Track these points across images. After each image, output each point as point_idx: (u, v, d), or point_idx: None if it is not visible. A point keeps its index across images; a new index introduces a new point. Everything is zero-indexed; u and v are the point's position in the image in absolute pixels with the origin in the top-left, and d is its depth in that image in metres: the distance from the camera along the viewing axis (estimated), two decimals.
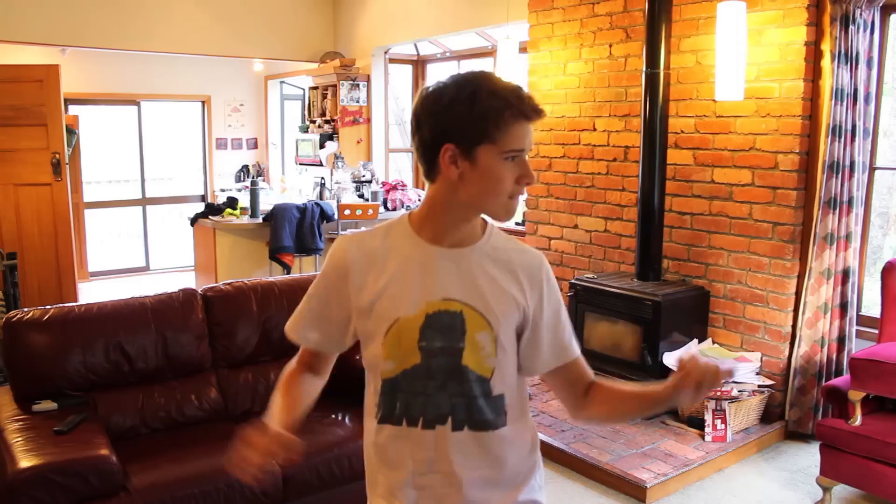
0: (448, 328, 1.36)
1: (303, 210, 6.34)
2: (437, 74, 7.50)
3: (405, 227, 1.42)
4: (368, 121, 7.35)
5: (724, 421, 3.73)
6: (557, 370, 1.47)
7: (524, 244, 1.49)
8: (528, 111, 1.32)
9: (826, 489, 3.19)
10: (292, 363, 1.59)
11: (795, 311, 3.92)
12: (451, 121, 1.31)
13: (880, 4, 3.59)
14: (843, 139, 3.65)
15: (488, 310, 1.37)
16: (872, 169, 3.89)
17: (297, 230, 6.30)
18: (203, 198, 8.97)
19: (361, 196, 7.09)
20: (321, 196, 7.15)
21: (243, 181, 8.80)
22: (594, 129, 4.82)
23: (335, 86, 7.32)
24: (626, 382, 1.53)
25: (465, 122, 1.30)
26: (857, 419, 3.06)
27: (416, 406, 1.39)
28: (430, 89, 1.35)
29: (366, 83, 7.28)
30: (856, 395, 3.05)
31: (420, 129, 1.35)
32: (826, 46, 3.69)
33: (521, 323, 1.41)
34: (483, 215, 1.42)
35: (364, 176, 7.10)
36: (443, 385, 1.37)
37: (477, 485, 1.41)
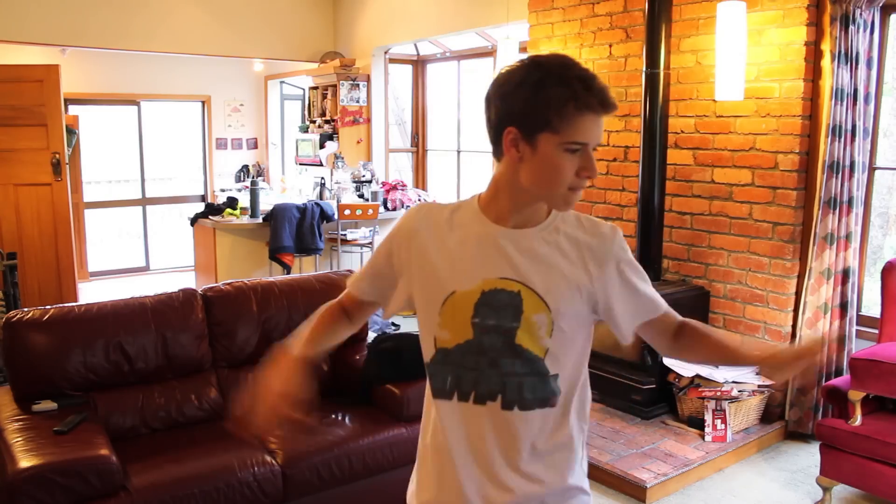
0: (504, 306, 1.36)
1: (303, 210, 6.34)
2: (437, 74, 7.50)
3: (473, 205, 1.43)
4: (368, 121, 7.35)
5: (724, 421, 3.73)
6: (642, 327, 1.48)
7: (594, 220, 1.45)
8: (595, 104, 1.28)
9: (826, 489, 3.19)
10: (332, 302, 1.61)
11: (795, 311, 3.92)
12: (516, 104, 1.30)
13: (880, 4, 3.59)
14: (843, 139, 3.65)
15: (547, 291, 1.36)
16: (872, 169, 3.89)
17: (297, 230, 6.30)
18: (203, 198, 8.97)
19: (361, 196, 7.09)
20: (321, 196, 7.15)
21: (243, 181, 8.80)
22: None
23: (335, 86, 7.32)
24: (717, 331, 1.53)
25: (528, 107, 1.29)
26: (857, 419, 3.06)
27: (467, 381, 1.39)
28: (505, 69, 1.35)
29: (366, 83, 7.28)
30: (856, 395, 3.05)
31: (489, 109, 1.36)
32: (826, 46, 3.69)
33: (589, 303, 1.40)
34: None
35: (364, 176, 7.10)
36: (494, 362, 1.37)
37: (526, 462, 1.40)
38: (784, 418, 3.95)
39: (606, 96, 1.29)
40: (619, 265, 1.42)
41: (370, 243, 6.60)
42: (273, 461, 2.76)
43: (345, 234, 6.62)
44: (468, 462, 1.41)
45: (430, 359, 1.44)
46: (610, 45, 4.66)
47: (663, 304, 1.48)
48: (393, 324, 6.19)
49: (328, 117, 7.62)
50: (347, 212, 6.37)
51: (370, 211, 6.39)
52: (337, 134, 7.53)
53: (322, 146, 7.70)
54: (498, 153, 1.38)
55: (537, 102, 1.28)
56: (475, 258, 1.39)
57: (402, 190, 7.11)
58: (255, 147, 9.30)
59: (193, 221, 6.71)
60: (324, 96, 7.70)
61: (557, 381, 1.40)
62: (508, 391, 1.37)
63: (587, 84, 1.28)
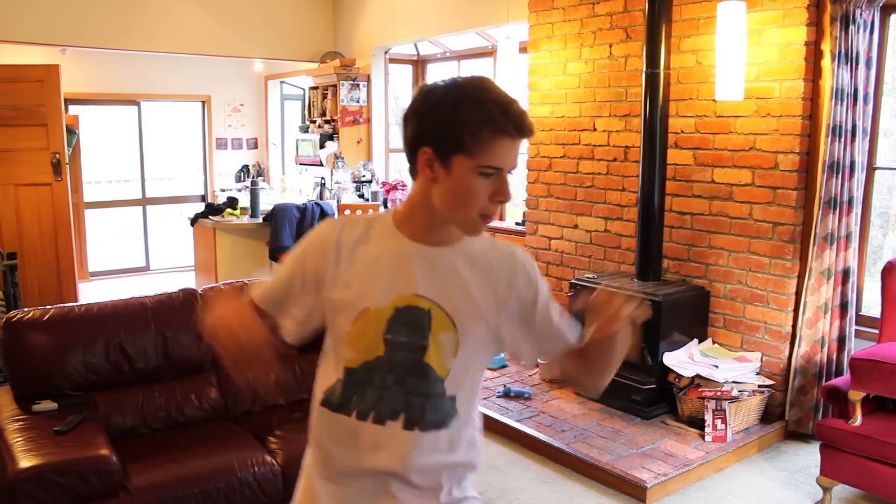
0: (414, 324, 1.36)
1: (303, 210, 6.34)
2: (437, 74, 7.50)
3: (388, 220, 1.42)
4: (368, 121, 7.36)
5: (724, 421, 3.73)
6: (553, 357, 1.49)
7: (504, 242, 1.47)
8: (511, 129, 1.26)
9: (826, 489, 3.19)
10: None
11: (795, 311, 3.92)
12: (432, 125, 1.29)
13: (880, 4, 3.59)
14: (843, 139, 3.65)
15: (456, 311, 1.36)
16: (872, 169, 3.89)
17: (297, 230, 6.31)
18: (203, 198, 8.97)
19: (361, 196, 7.09)
20: (321, 196, 7.15)
21: (243, 181, 8.80)
22: (594, 129, 4.82)
23: (335, 86, 7.32)
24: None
25: (444, 128, 1.28)
26: (857, 419, 3.06)
27: (370, 399, 1.38)
28: (424, 89, 1.34)
29: (366, 83, 7.28)
30: (856, 395, 3.05)
31: (406, 127, 1.36)
32: (826, 46, 3.69)
33: (495, 329, 1.41)
34: None
35: (364, 176, 7.10)
36: (401, 380, 1.37)
37: (415, 480, 1.40)
38: (784, 418, 3.95)
39: (523, 121, 1.28)
40: (529, 293, 1.43)
41: None
42: (273, 461, 2.76)
43: None
44: (354, 477, 1.42)
45: (335, 373, 1.43)
46: (610, 45, 4.66)
47: (568, 338, 1.47)
48: None
49: (328, 117, 7.62)
50: (347, 212, 6.37)
51: (370, 211, 6.39)
52: (337, 134, 7.53)
53: (322, 146, 7.70)
54: (413, 172, 1.36)
55: (453, 123, 1.26)
56: (389, 275, 1.37)
57: (403, 190, 7.11)
58: (256, 147, 9.30)
59: (193, 221, 6.71)
60: (324, 96, 7.70)
61: (455, 403, 1.40)
62: (411, 411, 1.37)
63: (504, 108, 1.26)
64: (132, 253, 8.66)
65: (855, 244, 3.75)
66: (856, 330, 3.86)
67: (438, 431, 1.39)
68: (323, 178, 7.48)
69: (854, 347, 3.77)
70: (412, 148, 1.33)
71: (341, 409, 1.40)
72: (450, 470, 1.44)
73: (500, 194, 1.31)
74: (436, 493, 1.43)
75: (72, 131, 7.08)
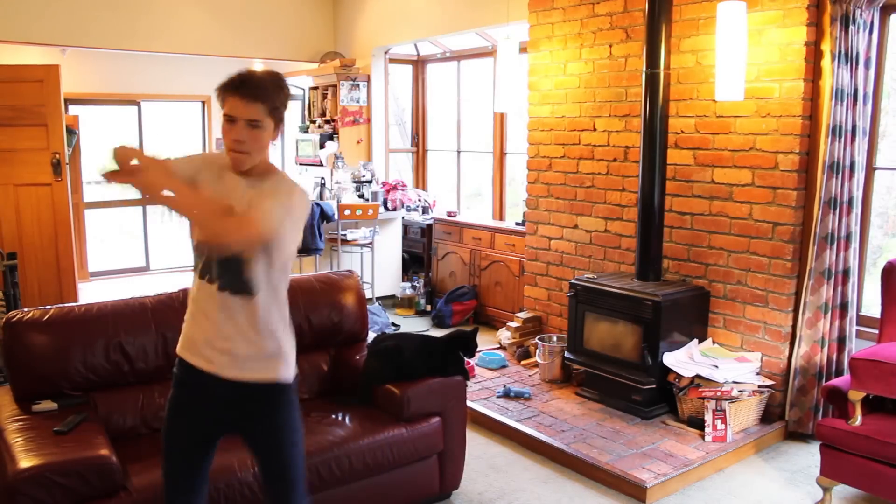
0: None
1: None
2: (437, 74, 7.50)
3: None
4: (368, 121, 7.35)
5: (724, 421, 3.73)
6: None
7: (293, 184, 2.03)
8: (230, 88, 1.93)
9: (826, 489, 3.19)
10: None
11: (795, 311, 3.92)
12: None
13: (880, 4, 3.60)
14: (843, 139, 3.65)
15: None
16: (872, 169, 3.89)
17: None
18: None
19: (361, 196, 7.09)
20: (321, 196, 7.15)
21: None
22: (594, 130, 4.82)
23: (335, 86, 7.31)
24: None
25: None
26: (857, 419, 3.06)
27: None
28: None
29: (366, 83, 7.28)
30: (856, 395, 3.05)
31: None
32: (826, 46, 3.69)
33: None
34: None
35: (364, 176, 7.10)
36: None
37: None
38: (784, 418, 3.95)
39: (233, 82, 1.93)
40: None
41: (370, 243, 6.61)
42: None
43: (345, 235, 6.62)
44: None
45: None
46: (610, 45, 4.66)
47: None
48: (393, 324, 6.19)
49: (328, 117, 7.62)
50: (347, 212, 6.37)
51: (370, 211, 6.39)
52: (337, 134, 7.52)
53: (322, 146, 7.69)
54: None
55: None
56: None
57: (403, 190, 7.11)
58: None
59: None
60: (324, 96, 7.69)
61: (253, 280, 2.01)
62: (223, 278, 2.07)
63: (233, 77, 1.94)
64: (132, 253, 8.66)
65: (855, 244, 3.75)
66: (856, 330, 3.86)
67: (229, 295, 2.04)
68: (323, 178, 7.48)
69: (854, 347, 3.78)
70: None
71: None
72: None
73: (226, 136, 1.96)
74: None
75: (72, 131, 7.08)
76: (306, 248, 6.37)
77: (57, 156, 5.89)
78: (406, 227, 7.23)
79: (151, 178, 1.84)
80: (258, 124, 1.94)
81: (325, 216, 6.47)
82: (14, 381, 2.87)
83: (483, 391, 4.42)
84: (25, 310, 2.94)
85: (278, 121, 2.01)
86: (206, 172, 2.05)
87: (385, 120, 7.42)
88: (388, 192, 7.04)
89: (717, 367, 3.87)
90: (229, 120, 1.94)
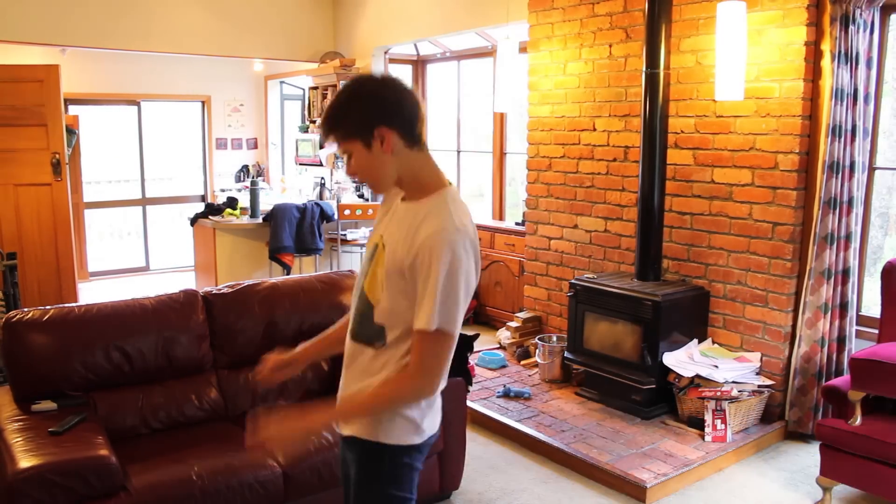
0: (369, 256, 1.74)
1: (303, 210, 6.34)
2: (437, 74, 7.50)
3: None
4: None
5: (724, 421, 3.73)
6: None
7: (438, 218, 1.61)
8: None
9: (826, 489, 3.19)
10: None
11: (795, 311, 3.92)
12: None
13: (880, 4, 3.59)
14: (843, 139, 3.65)
15: (392, 252, 1.66)
16: (872, 169, 3.89)
17: (297, 230, 6.30)
18: (203, 198, 8.97)
19: (361, 196, 7.09)
20: (321, 196, 7.15)
21: (243, 181, 8.81)
22: (594, 129, 4.82)
23: (335, 86, 7.31)
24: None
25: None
26: (857, 419, 3.06)
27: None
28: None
29: None
30: (856, 396, 3.05)
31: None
32: (826, 46, 3.69)
33: (407, 274, 1.62)
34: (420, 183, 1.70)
35: None
36: (356, 299, 1.76)
37: (347, 379, 1.79)
38: (784, 418, 3.95)
39: (322, 125, 1.68)
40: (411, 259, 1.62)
41: None
42: (274, 462, 2.76)
43: (345, 235, 6.62)
44: None
45: None
46: (610, 45, 4.66)
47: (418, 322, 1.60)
48: None
49: None
50: (347, 212, 6.37)
51: (370, 211, 6.38)
52: None
53: (322, 146, 7.69)
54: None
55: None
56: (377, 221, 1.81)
57: None
58: (255, 147, 9.30)
59: (193, 221, 6.71)
60: (324, 96, 7.69)
61: (384, 333, 1.67)
62: (354, 325, 1.75)
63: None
64: (132, 253, 8.66)
65: (855, 244, 3.75)
66: (856, 330, 3.86)
67: (365, 347, 1.70)
68: (323, 178, 7.48)
69: (854, 347, 3.78)
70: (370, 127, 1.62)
71: None
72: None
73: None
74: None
75: (72, 131, 7.08)
76: (306, 249, 6.37)
77: (57, 156, 5.89)
78: None
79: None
80: (349, 153, 1.66)
81: (324, 216, 6.47)
82: (14, 381, 2.87)
83: (483, 391, 4.42)
84: (25, 310, 2.94)
85: (368, 136, 1.62)
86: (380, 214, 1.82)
87: None
88: None
89: (716, 367, 3.87)
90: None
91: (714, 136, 4.15)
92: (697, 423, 3.84)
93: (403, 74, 7.65)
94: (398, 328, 1.64)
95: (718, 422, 3.73)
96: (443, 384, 1.63)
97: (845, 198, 3.70)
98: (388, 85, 1.64)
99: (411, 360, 1.60)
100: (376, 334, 1.67)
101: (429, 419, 1.72)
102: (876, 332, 3.54)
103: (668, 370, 3.98)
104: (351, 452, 1.77)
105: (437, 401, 1.74)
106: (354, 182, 1.54)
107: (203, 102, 8.89)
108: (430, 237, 1.55)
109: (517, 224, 6.01)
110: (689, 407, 3.91)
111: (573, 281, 4.47)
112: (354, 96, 1.64)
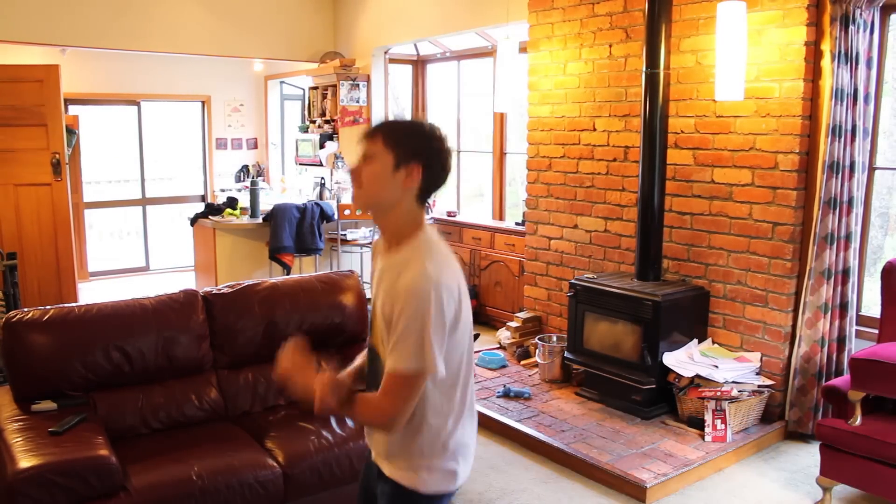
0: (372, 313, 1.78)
1: (303, 210, 6.34)
2: (437, 74, 7.50)
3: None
4: (368, 121, 7.35)
5: (724, 421, 3.73)
6: None
7: (412, 268, 1.63)
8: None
9: (826, 489, 3.19)
10: None
11: (795, 311, 3.92)
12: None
13: (880, 4, 3.59)
14: (843, 139, 3.65)
15: (377, 307, 1.72)
16: (872, 169, 3.89)
17: (297, 230, 6.30)
18: (203, 198, 8.97)
19: None
20: (321, 196, 7.15)
21: (243, 181, 8.80)
22: (594, 129, 4.82)
23: (335, 86, 7.31)
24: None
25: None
26: (857, 419, 3.06)
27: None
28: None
29: (366, 83, 7.28)
30: (856, 396, 3.05)
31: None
32: (826, 46, 3.69)
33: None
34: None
35: None
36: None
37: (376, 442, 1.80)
38: (784, 418, 3.95)
39: (377, 125, 1.70)
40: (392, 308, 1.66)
41: (370, 243, 6.60)
42: (274, 461, 2.76)
43: (345, 235, 6.62)
44: None
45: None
46: (610, 45, 4.66)
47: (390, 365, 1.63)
48: None
49: (328, 117, 7.62)
50: (347, 212, 6.37)
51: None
52: (337, 134, 7.53)
53: (322, 146, 7.70)
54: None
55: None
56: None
57: None
58: (255, 147, 9.30)
59: (193, 221, 6.71)
60: (324, 96, 7.70)
61: None
62: (369, 379, 1.79)
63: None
64: (132, 253, 8.66)
65: (855, 244, 3.75)
66: (856, 330, 3.86)
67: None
68: (323, 178, 7.48)
69: (854, 347, 3.78)
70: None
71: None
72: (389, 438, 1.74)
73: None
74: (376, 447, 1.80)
75: (72, 131, 7.08)
76: (306, 249, 6.37)
77: (57, 156, 5.89)
78: None
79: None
80: (373, 160, 1.70)
81: (324, 216, 6.47)
82: (14, 381, 2.87)
83: (483, 391, 4.42)
84: (25, 310, 2.94)
85: (403, 160, 1.68)
86: None
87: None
88: None
89: (716, 367, 3.87)
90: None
91: (714, 136, 4.15)
92: (697, 423, 3.84)
93: (403, 74, 7.66)
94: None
95: (718, 422, 3.73)
96: (403, 420, 1.66)
97: (845, 198, 3.70)
98: (448, 150, 1.73)
99: (378, 395, 1.65)
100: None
101: (464, 466, 1.78)
102: (876, 332, 3.54)
103: (668, 370, 3.98)
104: (383, 483, 1.78)
105: (472, 448, 1.80)
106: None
107: (203, 102, 8.89)
108: (404, 288, 1.60)
109: (517, 224, 6.01)
110: (689, 407, 3.91)
111: (573, 281, 4.47)
112: (423, 128, 1.71)
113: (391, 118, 1.77)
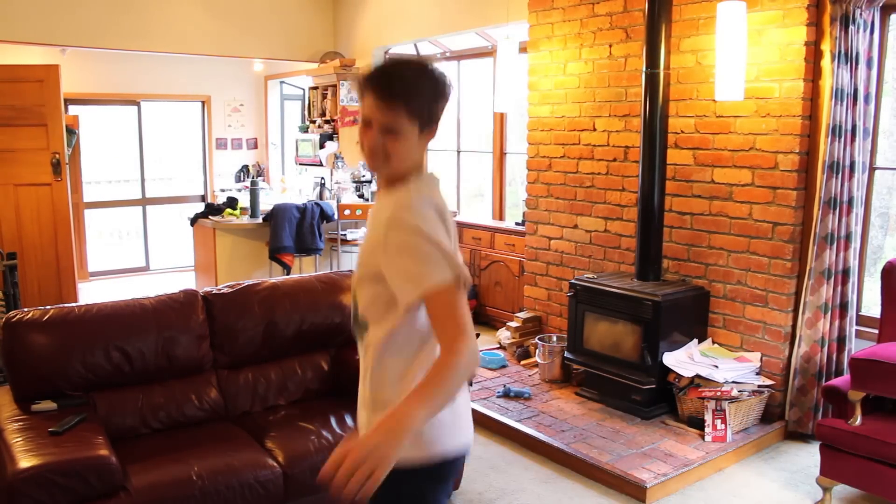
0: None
1: (303, 210, 6.34)
2: None
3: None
4: None
5: (724, 421, 3.73)
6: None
7: (399, 201, 1.55)
8: (368, 86, 1.52)
9: (826, 489, 3.19)
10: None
11: (795, 311, 3.92)
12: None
13: (880, 4, 3.59)
14: (843, 139, 3.65)
15: (362, 250, 1.66)
16: (872, 169, 3.89)
17: (297, 230, 6.31)
18: (203, 198, 8.97)
19: (361, 196, 7.09)
20: (321, 196, 7.16)
21: (243, 181, 8.81)
22: (594, 129, 4.82)
23: (335, 86, 7.32)
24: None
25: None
26: (857, 419, 3.06)
27: None
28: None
29: None
30: (856, 395, 3.05)
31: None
32: (826, 46, 3.69)
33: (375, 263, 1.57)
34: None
35: (364, 176, 7.10)
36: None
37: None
38: (784, 418, 3.95)
39: (377, 78, 1.51)
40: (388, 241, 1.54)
41: None
42: (274, 462, 2.76)
43: (345, 234, 6.62)
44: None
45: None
46: (610, 45, 4.66)
47: (401, 300, 1.52)
48: None
49: (328, 117, 7.62)
50: (347, 212, 6.37)
51: (370, 211, 6.38)
52: (337, 134, 7.53)
53: (322, 146, 7.70)
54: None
55: None
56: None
57: None
58: (255, 147, 9.30)
59: (193, 221, 6.71)
60: (324, 96, 7.70)
61: (367, 329, 1.63)
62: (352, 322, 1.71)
63: (373, 70, 1.54)
64: (132, 253, 8.66)
65: (855, 244, 3.75)
66: (856, 330, 3.86)
67: (360, 342, 1.68)
68: (323, 178, 7.48)
69: (854, 347, 3.78)
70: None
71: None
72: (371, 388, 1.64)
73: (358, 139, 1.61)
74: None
75: (72, 131, 7.08)
76: (306, 249, 6.37)
77: (57, 156, 5.89)
78: None
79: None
80: (394, 130, 1.54)
81: (324, 216, 6.47)
82: (14, 381, 2.87)
83: (483, 391, 4.42)
84: (25, 310, 2.94)
85: (428, 126, 1.58)
86: None
87: None
88: None
89: (716, 367, 3.87)
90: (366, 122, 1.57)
91: (714, 136, 4.15)
92: (697, 423, 3.84)
93: None
94: (374, 315, 1.61)
95: (718, 422, 3.73)
96: (474, 338, 1.52)
97: (845, 198, 3.70)
98: (451, 84, 1.59)
99: (437, 336, 1.48)
100: (363, 327, 1.66)
101: (449, 432, 1.64)
102: (876, 332, 3.54)
103: (668, 370, 3.98)
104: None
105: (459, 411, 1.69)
106: (360, 168, 1.46)
107: (203, 102, 8.89)
108: (388, 219, 1.52)
109: (517, 224, 6.01)
110: (689, 407, 3.91)
111: (573, 281, 4.47)
112: (436, 83, 1.55)
113: (391, 73, 1.53)
